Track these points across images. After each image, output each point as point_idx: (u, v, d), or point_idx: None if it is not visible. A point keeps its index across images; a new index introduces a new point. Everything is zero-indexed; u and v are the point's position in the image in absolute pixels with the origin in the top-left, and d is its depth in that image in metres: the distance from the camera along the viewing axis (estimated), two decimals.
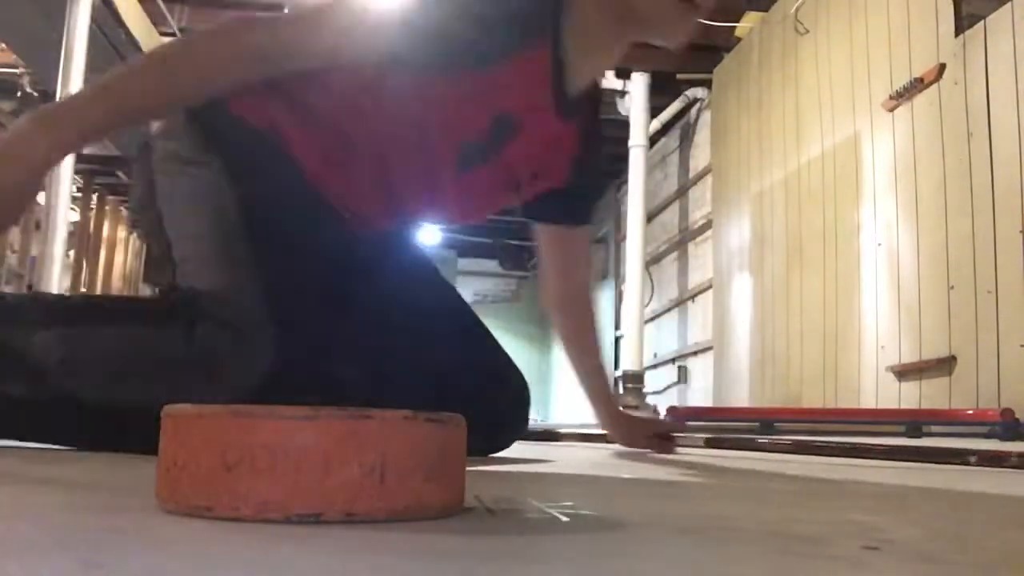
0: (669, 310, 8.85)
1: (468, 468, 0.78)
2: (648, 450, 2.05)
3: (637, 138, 7.72)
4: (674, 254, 8.78)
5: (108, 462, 1.30)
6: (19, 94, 7.37)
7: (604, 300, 11.60)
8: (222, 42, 1.47)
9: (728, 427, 4.98)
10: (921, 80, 4.71)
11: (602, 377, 2.14)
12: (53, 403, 1.41)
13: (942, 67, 4.56)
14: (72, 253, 10.63)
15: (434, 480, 0.71)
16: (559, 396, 14.36)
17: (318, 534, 0.62)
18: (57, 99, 5.24)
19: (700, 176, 8.10)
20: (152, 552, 0.54)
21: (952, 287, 4.39)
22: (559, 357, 14.63)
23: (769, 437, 3.39)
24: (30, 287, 6.71)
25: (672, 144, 8.88)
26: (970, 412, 4.09)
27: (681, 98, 8.00)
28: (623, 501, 1.04)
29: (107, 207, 12.16)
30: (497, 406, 1.73)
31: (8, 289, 8.81)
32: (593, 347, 2.12)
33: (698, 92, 7.97)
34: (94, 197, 11.70)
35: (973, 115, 4.33)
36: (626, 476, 1.46)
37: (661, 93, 7.85)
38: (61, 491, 0.94)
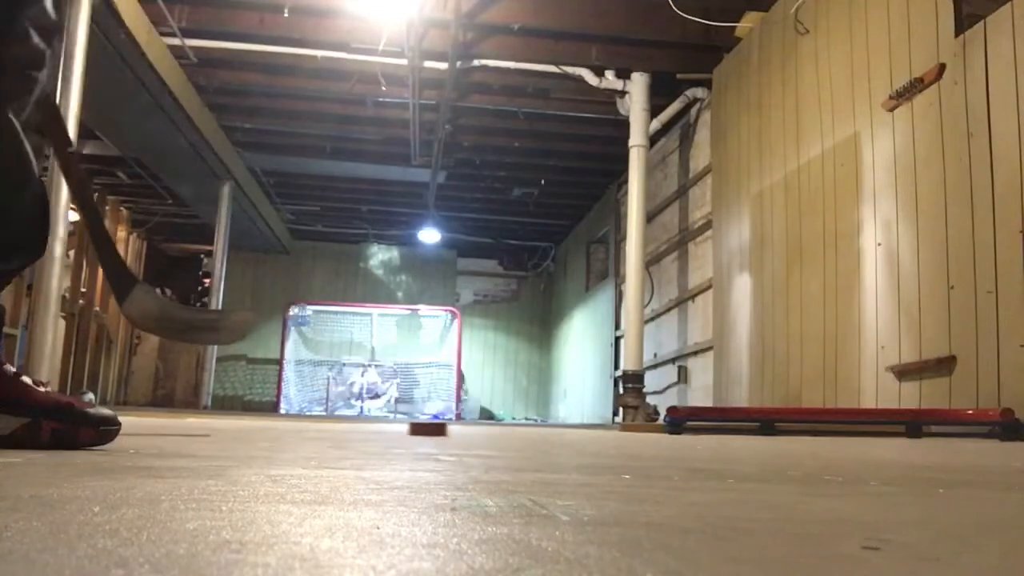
0: (669, 310, 8.84)
1: None
2: None
3: (637, 138, 7.72)
4: (674, 254, 8.78)
5: None
6: None
7: (604, 300, 11.60)
8: None
9: (729, 427, 4.99)
10: (921, 80, 4.71)
11: None
12: None
13: (942, 67, 4.56)
14: (72, 253, 10.63)
15: None
16: (560, 396, 14.35)
17: None
18: (56, 98, 5.26)
19: (700, 176, 8.10)
20: None
21: (952, 287, 4.39)
22: (559, 357, 14.63)
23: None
24: (30, 287, 6.71)
25: (672, 144, 8.87)
26: (970, 412, 4.09)
27: (681, 98, 8.00)
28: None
29: (107, 207, 12.18)
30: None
31: (9, 288, 8.77)
32: None
33: (698, 92, 7.97)
34: (94, 197, 11.73)
35: (973, 115, 4.32)
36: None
37: (661, 93, 7.85)
38: None
